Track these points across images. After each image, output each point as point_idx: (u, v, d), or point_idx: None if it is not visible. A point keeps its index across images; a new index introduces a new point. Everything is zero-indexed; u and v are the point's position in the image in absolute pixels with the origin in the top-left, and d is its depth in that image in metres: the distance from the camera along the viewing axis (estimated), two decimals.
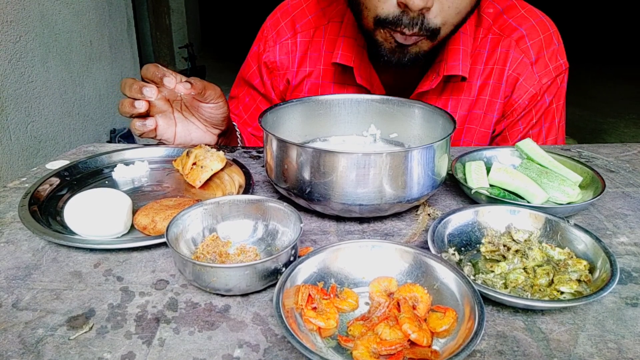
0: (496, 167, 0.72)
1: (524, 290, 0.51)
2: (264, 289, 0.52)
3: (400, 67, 0.81)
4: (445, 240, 0.58)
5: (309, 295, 0.47)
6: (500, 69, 0.93)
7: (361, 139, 0.81)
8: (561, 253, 0.56)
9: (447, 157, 0.65)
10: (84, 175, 0.76)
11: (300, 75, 1.01)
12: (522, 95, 0.93)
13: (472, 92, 0.94)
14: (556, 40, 0.94)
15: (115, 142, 2.82)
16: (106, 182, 0.76)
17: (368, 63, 0.93)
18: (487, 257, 0.58)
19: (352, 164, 0.58)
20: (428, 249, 0.53)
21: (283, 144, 0.61)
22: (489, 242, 0.58)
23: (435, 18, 0.75)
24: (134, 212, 0.63)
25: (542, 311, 0.49)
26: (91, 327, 0.47)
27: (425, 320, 0.46)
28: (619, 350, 0.45)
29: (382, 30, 0.78)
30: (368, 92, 0.94)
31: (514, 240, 0.58)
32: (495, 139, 1.00)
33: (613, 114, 3.96)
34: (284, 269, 0.50)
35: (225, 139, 0.93)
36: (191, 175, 0.74)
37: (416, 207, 0.68)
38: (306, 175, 0.60)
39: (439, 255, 0.52)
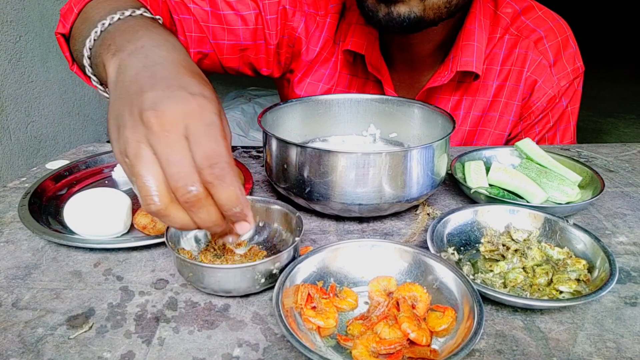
0: (495, 167, 0.72)
1: (523, 290, 0.51)
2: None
3: (392, 29, 0.76)
4: (445, 239, 0.58)
5: (309, 294, 0.47)
6: (518, 71, 0.92)
7: (361, 139, 0.81)
8: (560, 252, 0.56)
9: (446, 156, 0.65)
10: (84, 175, 0.76)
11: (318, 58, 0.95)
12: (540, 98, 0.93)
13: (488, 93, 0.93)
14: (572, 42, 0.94)
15: None
16: (106, 182, 0.76)
17: (379, 54, 0.91)
18: (486, 257, 0.58)
19: (352, 163, 0.58)
20: (427, 248, 0.54)
21: (283, 144, 0.61)
22: (488, 242, 0.58)
23: None
24: (134, 211, 0.63)
25: (541, 310, 0.49)
26: (91, 327, 0.47)
27: (424, 319, 0.46)
28: (618, 350, 0.45)
29: None
30: (379, 82, 0.93)
31: (513, 239, 0.58)
32: (510, 142, 0.99)
33: (613, 114, 3.96)
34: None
35: None
36: None
37: (415, 207, 0.68)
38: (306, 174, 0.60)
39: (438, 254, 0.52)
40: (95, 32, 0.56)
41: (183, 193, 0.41)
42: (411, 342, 0.44)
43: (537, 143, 0.96)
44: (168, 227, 0.53)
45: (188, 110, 0.42)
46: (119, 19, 0.56)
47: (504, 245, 0.57)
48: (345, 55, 0.95)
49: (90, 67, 0.58)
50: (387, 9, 0.74)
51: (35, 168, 0.80)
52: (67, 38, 0.70)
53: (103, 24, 0.55)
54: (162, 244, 0.58)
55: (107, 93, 0.58)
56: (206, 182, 0.42)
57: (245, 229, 0.46)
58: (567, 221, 0.58)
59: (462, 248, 0.59)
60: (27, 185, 0.74)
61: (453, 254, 0.56)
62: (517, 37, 0.92)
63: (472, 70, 0.87)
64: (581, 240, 0.56)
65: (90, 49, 0.57)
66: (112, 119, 0.45)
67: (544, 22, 0.93)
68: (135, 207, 0.64)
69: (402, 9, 0.74)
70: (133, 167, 0.42)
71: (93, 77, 0.59)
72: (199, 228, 0.45)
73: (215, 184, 0.42)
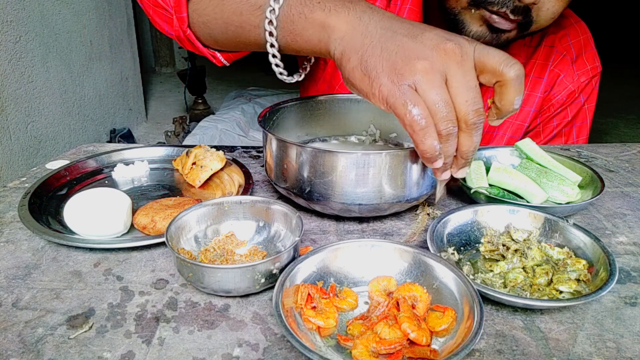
0: (495, 167, 0.72)
1: (523, 290, 0.51)
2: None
3: None
4: (445, 239, 0.58)
5: (309, 294, 0.47)
6: (541, 64, 0.95)
7: (361, 139, 0.81)
8: (560, 252, 0.56)
9: None
10: (84, 175, 0.76)
11: None
12: (561, 91, 0.96)
13: None
14: (592, 43, 0.98)
15: (115, 142, 2.83)
16: (106, 182, 0.76)
17: None
18: (486, 257, 0.58)
19: (352, 163, 0.58)
20: (427, 248, 0.54)
21: (283, 144, 0.61)
22: (488, 242, 0.58)
23: (534, 12, 0.74)
24: (134, 211, 0.63)
25: (541, 310, 0.49)
26: (91, 327, 0.47)
27: (424, 319, 0.46)
28: (618, 350, 0.45)
29: (473, 11, 0.75)
30: None
31: (513, 239, 0.58)
32: (527, 135, 1.02)
33: (613, 114, 3.96)
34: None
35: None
36: (191, 175, 0.74)
37: (415, 207, 0.68)
38: (306, 174, 0.60)
39: (438, 254, 0.52)
40: None
41: (471, 118, 0.49)
42: (411, 342, 0.44)
43: (554, 137, 1.00)
44: (168, 227, 0.53)
45: (476, 47, 0.49)
46: None
47: (504, 245, 0.57)
48: None
49: (276, 29, 0.57)
50: (491, 38, 0.77)
51: (35, 168, 0.80)
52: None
53: None
54: (162, 244, 0.58)
55: (280, 65, 0.60)
56: (467, 125, 0.49)
57: (464, 174, 0.54)
58: (567, 221, 0.58)
59: (462, 248, 0.59)
60: (27, 185, 0.74)
61: (453, 254, 0.56)
62: (542, 32, 0.96)
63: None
64: (581, 240, 0.56)
65: (278, 10, 0.56)
66: (382, 60, 0.49)
67: (567, 22, 0.97)
68: (136, 207, 0.64)
69: (503, 37, 0.77)
70: (425, 92, 0.47)
71: (271, 38, 0.58)
72: (438, 155, 0.51)
73: (472, 130, 0.49)
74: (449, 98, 0.48)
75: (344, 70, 0.51)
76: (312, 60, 0.67)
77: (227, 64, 0.74)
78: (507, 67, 0.48)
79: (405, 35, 0.49)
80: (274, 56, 0.59)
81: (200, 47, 0.70)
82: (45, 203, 0.67)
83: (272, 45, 0.58)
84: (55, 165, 0.79)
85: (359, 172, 0.58)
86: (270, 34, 0.57)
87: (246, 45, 0.64)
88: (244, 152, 0.88)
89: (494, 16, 0.74)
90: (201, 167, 0.73)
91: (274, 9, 0.55)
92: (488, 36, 0.78)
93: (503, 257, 0.56)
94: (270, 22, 0.56)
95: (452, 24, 0.80)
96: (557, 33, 0.96)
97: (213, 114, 3.25)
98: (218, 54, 0.71)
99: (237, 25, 0.61)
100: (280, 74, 0.62)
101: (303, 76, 0.66)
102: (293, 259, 0.51)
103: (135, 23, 3.37)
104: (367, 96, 0.50)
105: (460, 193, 0.74)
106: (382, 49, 0.49)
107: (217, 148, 0.79)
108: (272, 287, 0.47)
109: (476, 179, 0.71)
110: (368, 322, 0.46)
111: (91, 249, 0.58)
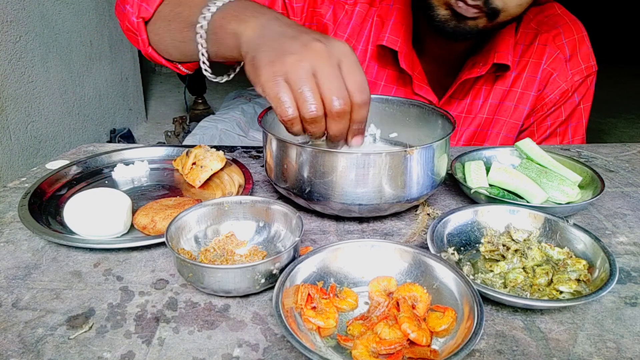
0: (495, 167, 0.72)
1: (523, 290, 0.51)
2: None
3: (453, 38, 0.82)
4: (445, 239, 0.58)
5: (309, 294, 0.47)
6: (535, 63, 0.96)
7: None
8: (560, 253, 0.56)
9: (446, 156, 0.65)
10: (84, 175, 0.76)
11: None
12: (554, 90, 0.96)
13: (506, 83, 0.96)
14: (587, 42, 0.97)
15: (115, 142, 2.82)
16: (106, 182, 0.76)
17: (411, 49, 0.94)
18: (487, 257, 0.58)
19: (352, 163, 0.58)
20: (427, 248, 0.54)
21: (283, 144, 0.61)
22: (488, 242, 0.58)
23: (498, 0, 0.75)
24: (134, 211, 0.63)
25: (541, 311, 0.49)
26: (91, 327, 0.47)
27: (424, 319, 0.46)
28: (618, 350, 0.45)
29: None
30: (409, 77, 0.94)
31: (513, 239, 0.58)
32: (522, 134, 1.01)
33: (613, 114, 3.95)
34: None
35: None
36: (191, 175, 0.74)
37: (415, 207, 0.68)
38: (306, 175, 0.60)
39: (438, 254, 0.52)
40: (209, 9, 0.64)
41: (335, 105, 0.54)
42: (411, 343, 0.44)
43: (549, 137, 0.99)
44: (168, 227, 0.53)
45: (345, 49, 0.55)
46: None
47: (504, 245, 0.57)
48: (377, 47, 0.96)
49: (205, 41, 0.66)
50: (457, 22, 0.79)
51: (35, 168, 0.80)
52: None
53: (215, 3, 0.64)
54: (162, 244, 0.58)
55: (209, 70, 0.69)
56: (353, 103, 0.55)
57: (359, 142, 0.59)
58: (567, 221, 0.58)
59: (462, 248, 0.59)
60: (27, 185, 0.74)
61: (453, 254, 0.56)
62: (536, 31, 0.96)
63: (507, 63, 0.91)
64: (581, 241, 0.56)
65: (206, 25, 0.64)
66: (265, 54, 0.55)
67: (562, 20, 0.97)
68: (136, 207, 0.64)
69: (470, 23, 0.79)
70: (294, 81, 0.53)
71: (202, 49, 0.66)
72: (325, 135, 0.58)
73: (360, 105, 0.55)
74: (315, 87, 0.53)
75: (244, 66, 0.59)
76: (237, 67, 0.75)
77: (190, 73, 0.83)
78: (354, 94, 0.54)
79: (289, 37, 0.56)
80: (203, 62, 0.68)
81: (164, 61, 0.79)
82: (45, 203, 0.67)
83: (202, 54, 0.67)
84: (55, 165, 0.79)
85: (359, 172, 0.58)
86: (202, 45, 0.66)
87: (191, 57, 0.72)
88: (244, 152, 0.88)
89: (459, 1, 0.76)
90: (201, 167, 0.73)
91: (202, 25, 0.65)
92: (453, 22, 0.80)
93: (503, 257, 0.56)
94: (201, 36, 0.65)
95: (424, 9, 0.82)
96: (551, 31, 0.95)
97: (213, 114, 3.24)
98: (179, 65, 0.80)
99: (181, 41, 0.72)
100: (211, 73, 0.70)
101: (227, 78, 0.75)
102: (293, 259, 0.51)
103: None
104: (255, 86, 0.56)
105: (460, 193, 0.74)
106: (268, 47, 0.56)
107: (217, 148, 0.79)
108: (272, 287, 0.47)
109: (476, 179, 0.71)
110: (368, 322, 0.46)
111: (91, 249, 0.58)
